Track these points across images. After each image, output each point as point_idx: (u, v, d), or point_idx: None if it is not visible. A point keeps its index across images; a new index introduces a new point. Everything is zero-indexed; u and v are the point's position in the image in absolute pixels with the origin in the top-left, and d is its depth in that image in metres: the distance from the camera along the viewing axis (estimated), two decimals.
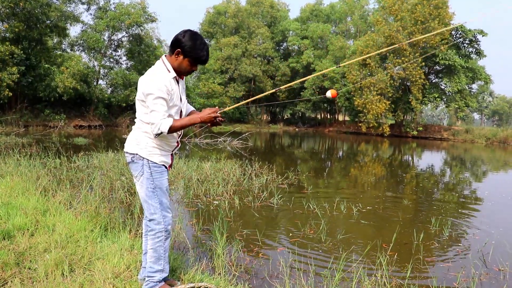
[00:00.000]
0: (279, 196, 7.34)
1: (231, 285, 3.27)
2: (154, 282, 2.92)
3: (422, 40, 31.64)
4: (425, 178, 12.14)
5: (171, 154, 3.05)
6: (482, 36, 33.51)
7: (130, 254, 3.53)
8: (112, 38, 34.47)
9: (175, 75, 2.87)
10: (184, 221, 5.52)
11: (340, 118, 52.69)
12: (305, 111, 56.44)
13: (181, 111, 3.01)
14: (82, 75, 29.09)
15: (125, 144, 3.00)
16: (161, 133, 2.76)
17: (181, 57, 2.84)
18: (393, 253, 4.67)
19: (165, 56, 2.92)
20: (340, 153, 21.88)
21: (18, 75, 25.01)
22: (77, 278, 3.06)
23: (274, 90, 3.79)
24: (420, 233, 5.33)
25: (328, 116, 53.92)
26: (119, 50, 36.00)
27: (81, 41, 33.15)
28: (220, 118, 2.93)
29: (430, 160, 19.81)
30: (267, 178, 9.26)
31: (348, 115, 46.24)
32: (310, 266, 4.07)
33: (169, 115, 2.84)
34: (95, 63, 34.05)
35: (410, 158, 20.20)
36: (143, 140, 2.89)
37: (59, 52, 31.88)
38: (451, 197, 9.02)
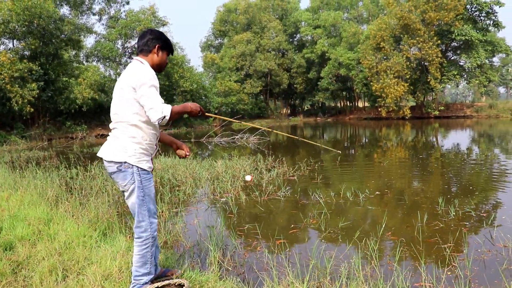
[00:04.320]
0: (287, 188, 7.34)
1: (220, 279, 3.31)
2: (140, 284, 2.97)
3: (436, 18, 30.90)
4: (443, 159, 11.91)
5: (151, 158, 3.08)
6: (499, 6, 32.61)
7: (123, 256, 3.60)
8: (125, 46, 35.05)
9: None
10: (187, 221, 5.60)
11: (360, 104, 52.14)
12: (325, 100, 55.96)
13: None
14: (99, 84, 29.67)
15: (104, 153, 2.89)
16: (164, 117, 2.69)
17: (161, 52, 2.96)
18: (395, 238, 4.62)
19: (137, 59, 2.95)
20: (362, 140, 21.65)
21: (37, 91, 25.59)
22: (70, 283, 3.16)
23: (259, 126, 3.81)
24: (424, 214, 5.26)
25: (348, 104, 53.42)
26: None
27: (95, 52, 33.80)
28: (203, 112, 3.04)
29: (454, 139, 19.40)
30: (277, 172, 9.25)
31: (367, 101, 45.73)
32: (301, 256, 4.08)
33: None
34: (111, 72, 34.73)
35: (433, 139, 19.84)
36: (130, 146, 2.81)
37: (76, 65, 32.51)
38: (468, 175, 8.83)
